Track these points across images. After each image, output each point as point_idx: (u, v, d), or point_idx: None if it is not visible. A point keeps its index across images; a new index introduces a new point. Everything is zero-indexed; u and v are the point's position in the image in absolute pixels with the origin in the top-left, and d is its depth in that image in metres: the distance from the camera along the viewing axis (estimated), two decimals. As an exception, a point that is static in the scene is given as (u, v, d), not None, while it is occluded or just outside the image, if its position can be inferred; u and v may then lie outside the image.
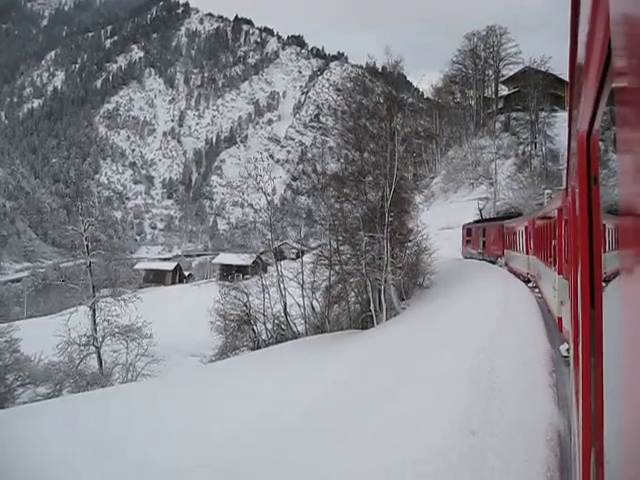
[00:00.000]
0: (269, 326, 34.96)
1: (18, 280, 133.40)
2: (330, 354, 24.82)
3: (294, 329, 34.57)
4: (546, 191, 40.79)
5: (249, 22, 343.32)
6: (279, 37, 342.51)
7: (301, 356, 26.50)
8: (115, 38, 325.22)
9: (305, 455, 12.40)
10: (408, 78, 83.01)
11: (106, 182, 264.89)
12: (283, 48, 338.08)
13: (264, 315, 34.84)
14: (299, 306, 34.60)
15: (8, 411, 26.00)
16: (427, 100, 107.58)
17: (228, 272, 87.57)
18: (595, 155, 2.98)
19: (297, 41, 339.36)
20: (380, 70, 39.65)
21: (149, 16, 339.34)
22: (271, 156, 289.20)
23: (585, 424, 3.07)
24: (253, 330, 35.09)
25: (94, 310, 34.63)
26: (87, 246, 35.44)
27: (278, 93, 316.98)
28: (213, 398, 21.04)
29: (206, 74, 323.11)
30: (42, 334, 34.98)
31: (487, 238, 41.41)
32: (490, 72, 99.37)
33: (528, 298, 21.39)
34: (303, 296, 34.34)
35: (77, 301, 37.75)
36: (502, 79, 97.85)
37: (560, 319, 14.63)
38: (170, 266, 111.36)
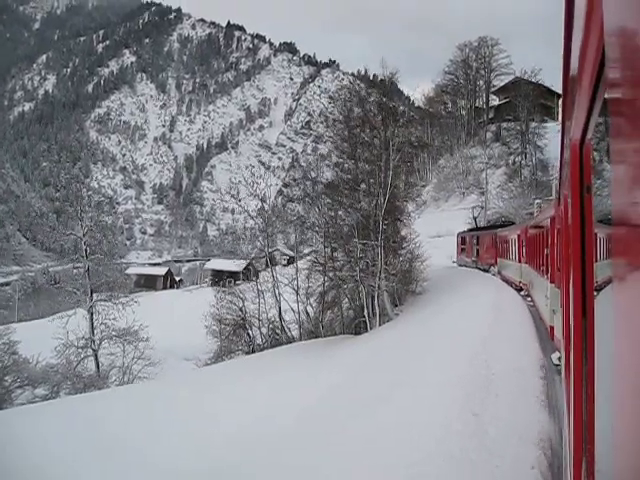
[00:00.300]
0: (264, 331, 35.48)
1: (7, 284, 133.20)
2: (324, 359, 25.17)
3: (288, 334, 35.11)
4: (536, 201, 41.30)
5: (241, 28, 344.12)
6: (271, 44, 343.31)
7: (296, 360, 26.77)
8: (107, 42, 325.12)
9: (301, 457, 12.66)
10: (399, 86, 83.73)
11: (97, 187, 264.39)
12: (275, 55, 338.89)
13: (259, 320, 35.37)
14: (293, 311, 35.17)
15: (7, 412, 26.35)
16: (418, 108, 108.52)
17: (220, 278, 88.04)
18: (588, 164, 3.01)
19: (289, 48, 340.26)
20: (375, 80, 40.24)
21: (141, 21, 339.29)
22: (262, 162, 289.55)
23: (576, 433, 3.09)
24: (248, 334, 35.61)
25: (92, 313, 35.00)
26: (86, 250, 35.81)
27: (269, 100, 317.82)
28: (209, 400, 21.33)
29: (198, 80, 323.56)
30: (36, 337, 35.32)
31: (481, 246, 41.39)
32: (481, 82, 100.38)
33: (520, 306, 21.38)
34: (298, 302, 34.88)
35: (68, 305, 38.02)
36: (493, 89, 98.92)
37: (552, 328, 14.58)
38: (161, 271, 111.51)
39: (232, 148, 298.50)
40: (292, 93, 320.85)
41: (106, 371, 34.42)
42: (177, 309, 61.47)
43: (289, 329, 35.42)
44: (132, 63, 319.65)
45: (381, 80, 37.04)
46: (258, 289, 35.45)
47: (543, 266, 16.61)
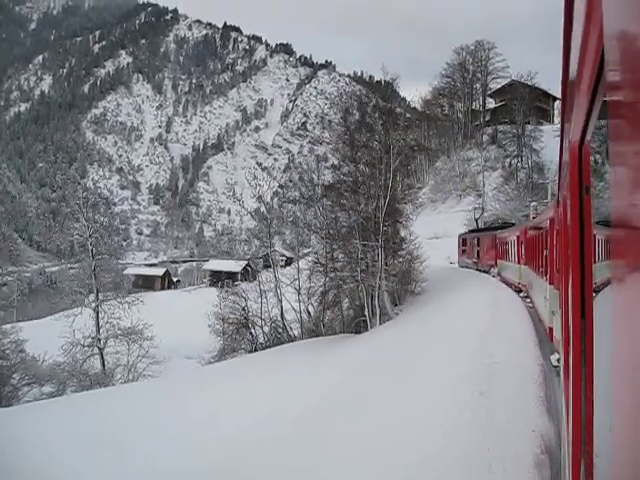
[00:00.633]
0: (266, 329, 36.13)
1: (4, 284, 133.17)
2: (326, 357, 25.56)
3: (290, 333, 35.76)
4: (532, 203, 41.85)
5: (237, 29, 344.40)
6: (267, 45, 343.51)
7: (298, 359, 27.16)
8: (103, 43, 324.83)
9: (301, 458, 12.85)
10: (395, 88, 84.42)
11: (92, 187, 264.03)
12: (271, 56, 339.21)
13: (261, 319, 36.03)
14: (295, 311, 35.84)
15: (9, 410, 26.91)
16: (414, 110, 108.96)
17: (218, 278, 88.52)
18: (587, 166, 3.02)
19: (285, 49, 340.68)
20: (375, 84, 40.95)
21: (137, 22, 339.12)
22: (258, 163, 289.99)
23: (575, 435, 3.09)
24: (251, 333, 36.26)
25: (97, 312, 35.60)
26: (92, 250, 36.39)
27: (266, 101, 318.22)
28: (212, 399, 21.61)
29: (194, 81, 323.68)
30: (39, 336, 35.94)
31: (481, 248, 41.35)
32: (478, 85, 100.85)
33: (519, 308, 21.33)
34: (299, 301, 35.54)
35: (66, 305, 38.61)
36: (489, 92, 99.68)
37: (551, 329, 14.52)
38: (159, 272, 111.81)
39: (228, 149, 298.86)
40: (288, 94, 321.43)
41: (111, 369, 35.05)
42: (177, 309, 61.98)
43: (291, 328, 36.09)
44: (128, 64, 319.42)
45: (378, 82, 37.74)
46: (260, 289, 36.13)
47: (542, 267, 16.56)
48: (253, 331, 36.26)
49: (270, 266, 39.50)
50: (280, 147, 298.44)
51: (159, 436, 17.80)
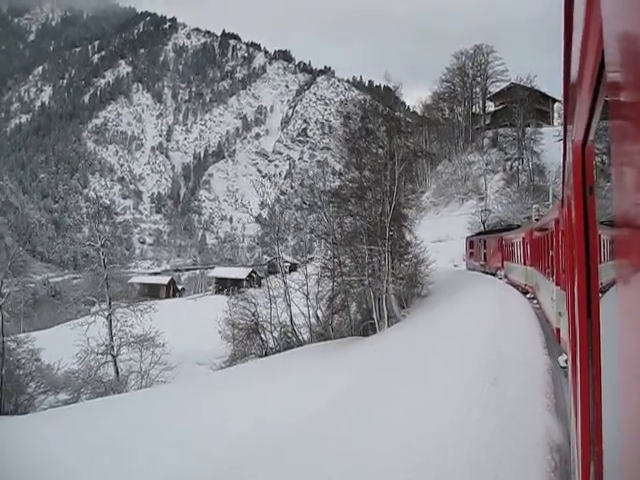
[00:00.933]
0: (276, 334, 36.78)
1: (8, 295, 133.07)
2: (335, 360, 26.11)
3: (299, 337, 36.38)
4: (534, 206, 42.26)
5: (236, 37, 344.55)
6: (266, 52, 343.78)
7: (308, 362, 27.76)
8: (102, 53, 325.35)
9: (306, 458, 13.10)
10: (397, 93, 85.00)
11: (94, 197, 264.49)
12: (270, 63, 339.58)
13: (271, 324, 36.68)
14: (303, 315, 36.49)
15: (29, 416, 27.54)
16: (414, 114, 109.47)
17: (224, 285, 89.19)
18: (590, 165, 2.99)
19: (284, 56, 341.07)
20: (379, 92, 41.59)
21: (136, 31, 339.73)
22: (259, 170, 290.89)
23: (584, 437, 3.06)
24: (261, 338, 36.91)
25: (110, 321, 36.21)
26: (103, 260, 37.01)
27: (265, 108, 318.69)
28: (222, 404, 22.07)
29: (194, 89, 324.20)
30: (49, 345, 36.49)
31: (488, 250, 41.33)
32: (477, 89, 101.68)
33: (526, 308, 21.45)
34: (308, 306, 36.18)
35: (71, 315, 39.23)
36: (489, 95, 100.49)
37: (558, 330, 14.53)
38: (164, 280, 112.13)
39: (229, 156, 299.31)
40: (288, 100, 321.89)
41: (125, 376, 35.64)
42: (184, 317, 62.43)
43: (300, 332, 36.70)
44: (128, 73, 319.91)
45: (378, 87, 38.46)
46: (270, 295, 36.80)
47: (548, 268, 16.57)
48: (263, 336, 36.94)
49: (275, 272, 40.08)
50: (281, 153, 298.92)
51: (169, 440, 18.24)
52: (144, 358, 35.74)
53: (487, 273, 39.20)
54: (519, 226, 36.44)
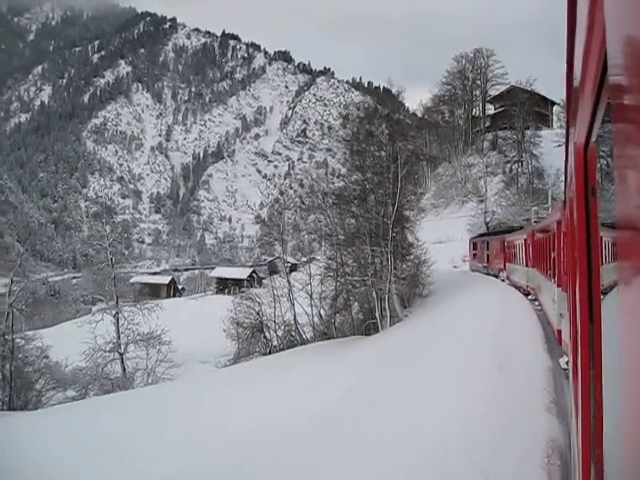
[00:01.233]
0: (279, 333, 37.43)
1: (2, 295, 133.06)
2: (338, 358, 26.58)
3: (303, 336, 37.01)
4: (533, 208, 42.73)
5: (236, 37, 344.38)
6: (266, 52, 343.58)
7: (311, 360, 28.21)
8: (102, 53, 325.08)
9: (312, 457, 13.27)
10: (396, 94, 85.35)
11: (94, 197, 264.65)
12: (270, 63, 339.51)
13: (275, 323, 37.32)
14: (307, 314, 37.12)
15: (31, 413, 28.05)
16: (413, 115, 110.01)
17: (224, 285, 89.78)
18: (592, 167, 2.98)
19: (284, 56, 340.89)
20: (382, 96, 42.17)
21: (136, 31, 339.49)
22: (258, 171, 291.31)
23: (584, 438, 3.05)
24: (265, 337, 37.55)
25: (117, 319, 36.81)
26: (111, 260, 37.61)
27: (265, 108, 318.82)
28: (225, 402, 22.50)
29: (193, 89, 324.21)
30: (54, 343, 37.02)
31: (490, 252, 41.20)
32: (477, 92, 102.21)
33: (527, 310, 21.39)
34: (312, 305, 36.81)
35: (71, 315, 39.75)
36: (489, 98, 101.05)
37: (560, 332, 14.48)
38: (165, 280, 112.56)
39: (228, 157, 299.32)
40: (287, 101, 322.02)
41: (132, 373, 36.24)
42: (187, 316, 62.85)
43: (303, 331, 37.34)
44: (128, 73, 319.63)
45: (377, 88, 39.05)
46: (274, 294, 37.45)
47: (550, 270, 16.57)
48: (267, 334, 37.61)
49: (275, 272, 40.66)
50: (280, 154, 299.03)
51: (168, 440, 18.47)
52: (150, 356, 36.32)
53: (490, 275, 39.11)
54: (522, 227, 36.39)
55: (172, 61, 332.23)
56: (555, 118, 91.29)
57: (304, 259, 45.08)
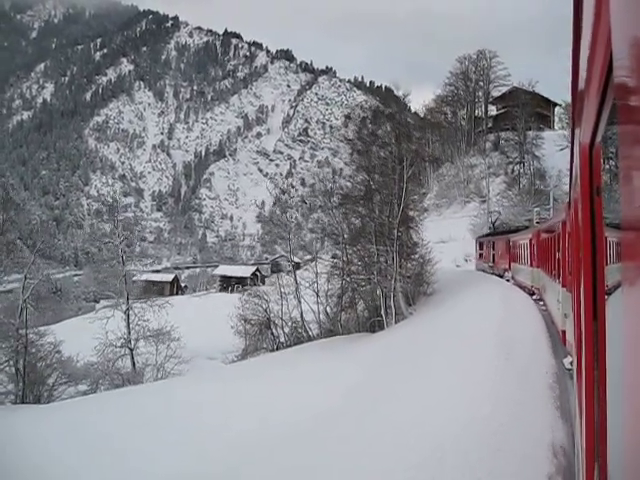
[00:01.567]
0: (287, 330, 38.11)
1: (9, 291, 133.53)
2: (344, 354, 27.04)
3: (310, 332, 37.69)
4: (535, 209, 43.26)
5: (238, 36, 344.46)
6: (268, 51, 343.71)
7: (318, 357, 28.64)
8: (105, 51, 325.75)
9: (319, 455, 13.28)
10: (396, 93, 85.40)
11: (96, 194, 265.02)
12: (272, 62, 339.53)
13: (282, 320, 37.99)
14: (313, 312, 37.80)
15: (52, 405, 28.72)
16: (415, 114, 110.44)
17: (228, 283, 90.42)
18: (597, 167, 2.97)
19: (286, 55, 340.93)
20: (388, 99, 42.76)
21: (138, 29, 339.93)
22: (260, 169, 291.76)
23: (588, 439, 3.05)
24: (272, 333, 38.23)
25: (128, 315, 37.50)
26: (122, 257, 38.29)
27: (267, 107, 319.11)
28: (237, 394, 22.81)
29: (195, 87, 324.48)
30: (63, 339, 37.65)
31: (496, 251, 41.08)
32: (480, 93, 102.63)
33: (532, 309, 21.32)
34: (318, 303, 37.50)
35: (73, 312, 40.32)
36: (491, 99, 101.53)
37: (564, 332, 14.47)
38: (168, 278, 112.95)
39: (230, 155, 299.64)
40: (289, 100, 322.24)
41: (141, 368, 36.89)
42: (192, 313, 63.27)
43: (310, 328, 38.01)
44: (130, 71, 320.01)
45: (379, 87, 39.59)
46: (281, 292, 38.09)
47: (555, 270, 16.53)
48: (274, 331, 38.26)
49: (278, 271, 41.27)
50: (282, 153, 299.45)
51: (169, 438, 18.55)
52: (159, 352, 36.97)
53: (495, 274, 39.13)
54: (527, 227, 36.36)
55: (174, 59, 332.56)
56: (557, 119, 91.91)
57: (307, 257, 45.66)
